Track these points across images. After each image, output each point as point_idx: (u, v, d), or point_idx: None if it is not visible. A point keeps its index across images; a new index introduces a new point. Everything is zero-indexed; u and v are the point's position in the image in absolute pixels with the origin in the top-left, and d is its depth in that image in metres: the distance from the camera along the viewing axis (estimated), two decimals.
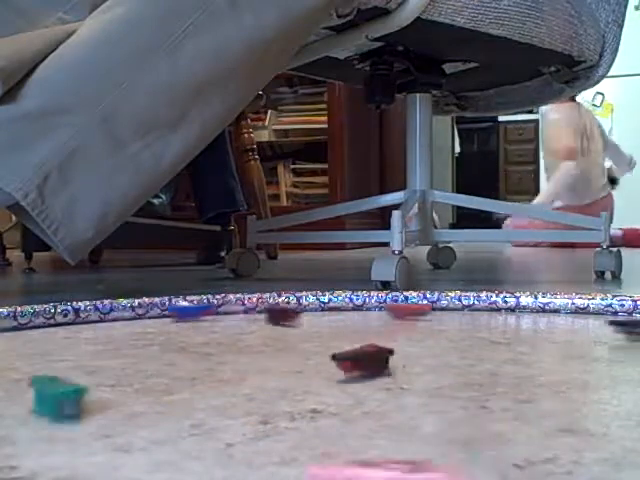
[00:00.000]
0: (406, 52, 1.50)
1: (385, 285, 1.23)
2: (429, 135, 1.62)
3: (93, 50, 1.06)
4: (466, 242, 3.25)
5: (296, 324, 0.86)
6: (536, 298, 0.97)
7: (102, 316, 0.90)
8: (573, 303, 0.95)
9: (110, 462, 0.37)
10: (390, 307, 0.96)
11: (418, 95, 1.61)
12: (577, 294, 0.96)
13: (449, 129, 5.64)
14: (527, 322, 0.91)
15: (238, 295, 0.99)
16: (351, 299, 1.01)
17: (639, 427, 0.44)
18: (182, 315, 0.93)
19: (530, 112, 5.81)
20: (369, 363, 0.58)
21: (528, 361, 0.66)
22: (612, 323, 0.76)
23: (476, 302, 0.99)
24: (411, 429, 0.43)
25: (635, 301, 0.92)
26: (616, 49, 1.55)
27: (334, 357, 0.56)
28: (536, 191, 5.60)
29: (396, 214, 1.34)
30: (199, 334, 0.82)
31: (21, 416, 0.47)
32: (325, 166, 3.28)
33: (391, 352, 0.59)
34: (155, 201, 2.21)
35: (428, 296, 1.00)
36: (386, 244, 1.35)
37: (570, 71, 1.58)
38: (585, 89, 1.75)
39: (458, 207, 5.20)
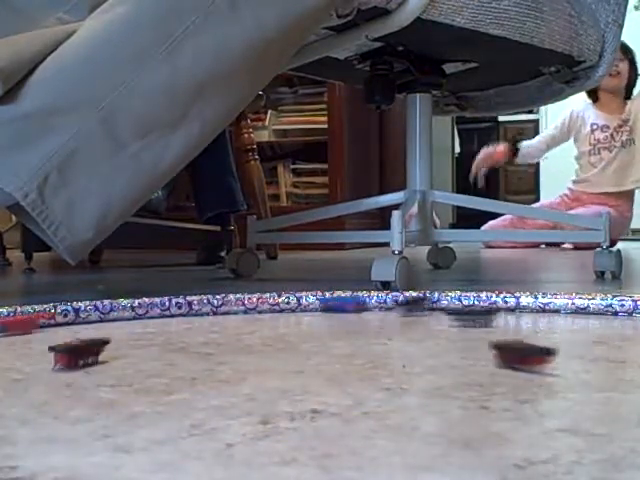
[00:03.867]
0: (406, 52, 1.50)
1: (385, 285, 1.23)
2: (429, 135, 1.62)
3: (93, 50, 1.06)
4: (466, 242, 3.25)
5: None
6: (536, 298, 0.97)
7: (102, 316, 0.90)
8: (573, 303, 0.95)
9: (110, 462, 0.37)
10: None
11: (418, 95, 1.61)
12: (577, 294, 0.96)
13: (449, 129, 5.63)
14: (527, 322, 0.91)
15: (238, 295, 0.99)
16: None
17: (639, 427, 0.44)
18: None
19: (530, 112, 5.80)
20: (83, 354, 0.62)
21: None
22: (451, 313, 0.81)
23: (476, 302, 0.99)
24: (411, 429, 0.43)
25: (635, 301, 0.92)
26: (616, 49, 1.55)
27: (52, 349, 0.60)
28: (536, 191, 5.61)
29: (396, 214, 1.34)
30: (199, 334, 0.82)
31: (21, 416, 0.47)
32: (325, 166, 3.28)
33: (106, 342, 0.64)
34: (151, 196, 2.21)
35: (428, 296, 1.00)
36: (386, 244, 1.35)
37: (570, 71, 1.58)
38: (585, 89, 1.75)
39: (458, 207, 5.20)
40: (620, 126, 3.43)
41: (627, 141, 3.42)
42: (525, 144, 3.60)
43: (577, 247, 3.07)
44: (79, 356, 0.62)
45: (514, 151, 3.58)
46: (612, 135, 3.45)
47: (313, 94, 3.38)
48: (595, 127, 3.47)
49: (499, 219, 3.28)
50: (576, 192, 3.50)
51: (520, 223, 3.18)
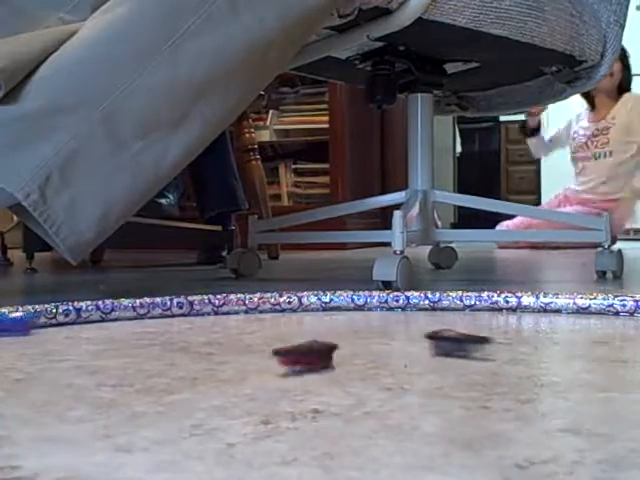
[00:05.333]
0: (407, 52, 1.49)
1: (386, 285, 1.23)
2: (430, 135, 1.62)
3: (94, 50, 1.06)
4: (467, 242, 3.24)
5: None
6: (538, 298, 0.97)
7: (104, 316, 0.90)
8: (575, 303, 0.95)
9: (111, 462, 0.37)
10: None
11: (419, 95, 1.60)
12: (578, 294, 0.96)
13: (450, 129, 5.64)
14: (528, 322, 0.91)
15: (239, 295, 0.99)
16: (352, 299, 1.01)
17: None
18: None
19: None
20: (312, 357, 0.60)
21: (529, 361, 0.66)
22: (431, 338, 0.67)
23: (477, 302, 0.99)
24: (412, 429, 0.43)
25: (637, 301, 0.92)
26: (617, 49, 1.55)
27: (275, 353, 0.59)
28: (537, 191, 5.61)
29: (397, 214, 1.34)
30: (200, 334, 0.82)
31: (23, 416, 0.47)
32: (326, 166, 3.28)
33: (334, 347, 0.61)
34: (163, 201, 2.21)
35: (429, 296, 1.00)
36: (387, 244, 1.35)
37: (572, 71, 1.58)
38: (586, 89, 1.75)
39: (459, 207, 5.20)
40: (595, 135, 3.40)
41: (600, 154, 3.38)
42: (540, 136, 3.59)
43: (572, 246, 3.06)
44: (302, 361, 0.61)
45: (532, 132, 3.55)
46: (587, 144, 3.44)
47: (314, 94, 3.38)
48: (578, 134, 3.48)
49: (516, 219, 3.25)
50: (569, 193, 3.50)
51: (535, 223, 3.15)
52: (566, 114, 3.77)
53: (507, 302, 0.98)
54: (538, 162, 5.71)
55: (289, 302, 1.00)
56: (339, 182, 3.22)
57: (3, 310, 0.82)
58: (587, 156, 3.44)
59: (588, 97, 3.39)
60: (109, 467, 0.37)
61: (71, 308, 0.89)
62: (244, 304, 0.98)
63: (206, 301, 0.97)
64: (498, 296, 0.99)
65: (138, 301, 0.93)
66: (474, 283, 1.48)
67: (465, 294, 1.00)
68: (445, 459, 0.37)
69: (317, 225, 1.72)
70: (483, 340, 0.66)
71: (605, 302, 0.93)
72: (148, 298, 0.94)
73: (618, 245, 1.63)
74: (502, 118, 6.23)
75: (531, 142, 3.63)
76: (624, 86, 3.39)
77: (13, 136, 1.02)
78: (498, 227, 3.27)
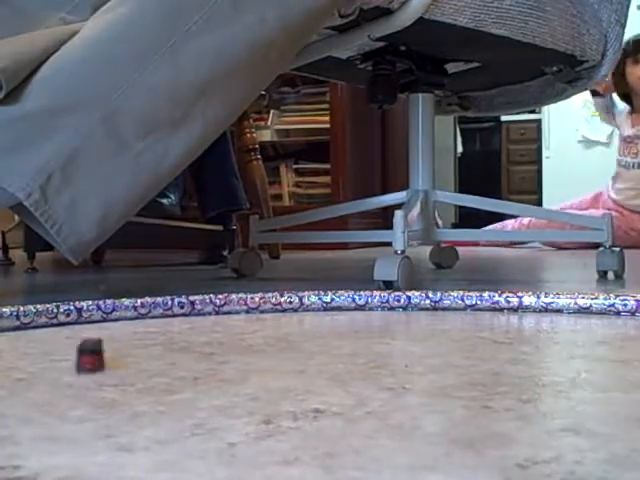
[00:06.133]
0: (408, 52, 1.49)
1: (388, 285, 1.23)
2: (431, 135, 1.62)
3: (95, 50, 1.06)
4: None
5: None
6: (539, 298, 0.97)
7: (105, 316, 0.90)
8: (576, 303, 0.95)
9: (113, 462, 0.37)
10: None
11: (420, 95, 1.60)
12: (580, 294, 0.96)
13: (451, 129, 5.63)
14: (530, 322, 0.91)
15: (240, 295, 0.99)
16: (353, 299, 1.01)
17: None
18: None
19: (532, 112, 5.80)
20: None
21: (531, 361, 0.66)
22: None
23: (479, 302, 0.99)
24: (413, 429, 0.43)
25: (638, 301, 0.92)
26: (618, 49, 1.55)
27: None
28: (539, 191, 5.61)
29: (398, 214, 1.34)
30: (201, 334, 0.82)
31: (24, 416, 0.47)
32: (327, 166, 3.28)
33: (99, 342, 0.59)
34: (164, 201, 2.21)
35: (430, 296, 1.00)
36: (389, 244, 1.35)
37: (572, 71, 1.57)
38: (587, 89, 1.75)
39: (460, 207, 5.20)
40: (629, 142, 3.21)
41: (630, 163, 3.19)
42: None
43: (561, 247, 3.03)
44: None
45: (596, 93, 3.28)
46: (622, 150, 3.24)
47: (315, 94, 3.38)
48: (621, 133, 3.30)
49: (518, 219, 3.21)
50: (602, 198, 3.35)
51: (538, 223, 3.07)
52: (566, 114, 3.75)
53: (508, 302, 0.98)
54: (539, 162, 5.71)
55: (290, 302, 1.00)
56: (340, 182, 3.22)
57: None
58: (621, 162, 3.25)
59: (625, 97, 3.21)
60: (110, 467, 0.37)
61: (72, 308, 0.89)
62: (245, 304, 0.98)
63: (207, 301, 0.97)
64: (499, 296, 0.99)
65: (139, 301, 0.93)
66: (475, 283, 1.48)
67: (466, 294, 1.00)
68: (446, 459, 0.37)
69: (318, 225, 1.72)
70: None
71: (606, 302, 0.93)
72: (149, 298, 0.94)
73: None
74: (503, 118, 6.24)
75: (596, 101, 3.33)
76: None
77: (14, 136, 1.03)
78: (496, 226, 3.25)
